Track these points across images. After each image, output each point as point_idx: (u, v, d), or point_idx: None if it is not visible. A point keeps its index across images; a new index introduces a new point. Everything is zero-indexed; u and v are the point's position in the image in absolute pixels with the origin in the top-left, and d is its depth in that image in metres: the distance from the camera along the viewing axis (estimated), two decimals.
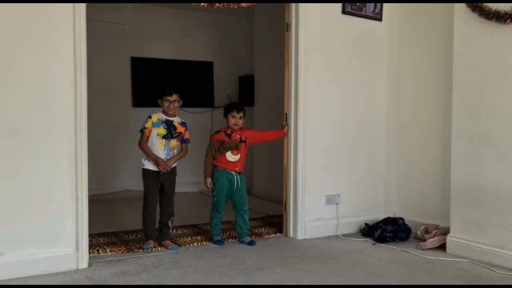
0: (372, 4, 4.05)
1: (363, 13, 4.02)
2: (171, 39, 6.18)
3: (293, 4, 3.75)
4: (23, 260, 2.78)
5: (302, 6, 3.72)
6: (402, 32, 4.18)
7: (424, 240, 3.61)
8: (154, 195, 3.46)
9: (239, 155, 3.58)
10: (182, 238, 3.69)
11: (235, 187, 3.58)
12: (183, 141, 3.52)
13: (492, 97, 3.23)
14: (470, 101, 3.36)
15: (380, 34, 4.14)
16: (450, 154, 3.50)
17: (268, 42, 5.47)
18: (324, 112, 3.89)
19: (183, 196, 5.50)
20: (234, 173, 3.59)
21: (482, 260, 3.19)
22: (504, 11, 3.09)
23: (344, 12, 3.92)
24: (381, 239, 3.70)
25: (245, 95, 6.21)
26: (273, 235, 3.91)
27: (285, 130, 3.84)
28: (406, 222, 3.90)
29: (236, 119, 3.58)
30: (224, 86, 6.45)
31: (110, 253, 3.28)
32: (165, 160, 3.40)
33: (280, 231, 3.96)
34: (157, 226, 3.53)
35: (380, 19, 4.12)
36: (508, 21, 3.08)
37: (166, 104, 3.42)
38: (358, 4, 3.97)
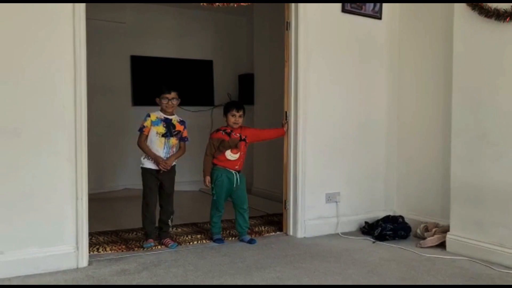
0: (372, 3, 4.05)
1: (363, 11, 4.01)
2: (171, 37, 6.18)
3: (293, 3, 3.74)
4: (23, 259, 2.79)
5: (301, 5, 3.72)
6: (402, 31, 4.18)
7: (424, 239, 3.61)
8: (154, 194, 3.47)
9: (238, 153, 3.59)
10: (182, 237, 3.69)
11: (234, 186, 3.59)
12: (182, 139, 3.52)
13: (491, 95, 3.23)
14: (470, 100, 3.36)
15: (380, 32, 4.13)
16: (450, 152, 3.50)
17: (268, 40, 5.47)
18: (324, 110, 3.89)
19: (183, 194, 5.50)
20: (233, 171, 3.59)
21: (481, 258, 3.19)
22: (504, 9, 3.09)
23: (344, 10, 3.92)
24: (381, 237, 3.71)
25: (245, 93, 6.21)
26: (273, 233, 3.91)
27: (285, 128, 3.85)
28: (406, 221, 3.91)
29: (235, 118, 3.59)
30: (224, 84, 6.45)
31: (110, 252, 3.28)
32: (164, 158, 3.41)
33: (280, 230, 3.96)
34: (156, 225, 3.53)
35: (380, 18, 4.11)
36: (508, 19, 3.08)
37: (164, 102, 3.42)
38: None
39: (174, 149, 3.48)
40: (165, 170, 3.40)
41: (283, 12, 3.88)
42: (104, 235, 3.69)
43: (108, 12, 5.66)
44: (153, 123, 3.41)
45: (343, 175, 4.02)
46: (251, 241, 3.60)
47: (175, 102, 3.46)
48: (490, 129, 3.24)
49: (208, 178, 3.58)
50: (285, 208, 3.91)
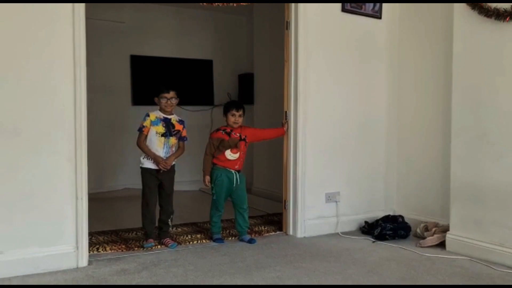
0: (372, 3, 4.05)
1: (362, 11, 4.01)
2: (171, 37, 6.18)
3: (293, 3, 3.74)
4: (23, 258, 2.79)
5: (301, 4, 3.72)
6: (402, 30, 4.18)
7: (424, 238, 3.61)
8: (154, 194, 3.47)
9: (238, 153, 3.59)
10: (182, 236, 3.69)
11: (234, 185, 3.59)
12: (181, 138, 3.52)
13: (491, 95, 3.23)
14: (470, 99, 3.36)
15: (380, 31, 4.13)
16: (450, 152, 3.51)
17: (268, 40, 5.47)
18: (324, 110, 3.89)
19: (183, 194, 5.51)
20: (233, 171, 3.59)
21: (481, 258, 3.20)
22: (504, 8, 3.09)
23: (343, 10, 3.91)
24: (380, 237, 3.71)
25: (244, 93, 6.21)
26: (273, 233, 3.91)
27: (285, 128, 3.84)
28: (406, 220, 3.91)
29: (235, 117, 3.59)
30: (223, 84, 6.45)
31: (110, 252, 3.28)
32: (164, 158, 3.40)
33: (280, 229, 3.96)
34: (156, 224, 3.53)
35: (379, 17, 4.11)
36: (507, 18, 3.08)
37: (163, 101, 3.42)
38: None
39: (174, 149, 3.48)
40: (165, 169, 3.40)
41: (283, 12, 3.88)
42: (104, 235, 3.69)
43: (108, 11, 5.66)
44: (153, 123, 3.41)
45: (343, 174, 4.02)
46: (251, 241, 3.60)
47: (174, 101, 3.45)
48: (490, 129, 3.24)
49: (207, 178, 3.58)
50: (285, 207, 3.91)
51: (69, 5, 2.89)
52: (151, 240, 3.42)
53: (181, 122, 3.53)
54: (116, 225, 4.00)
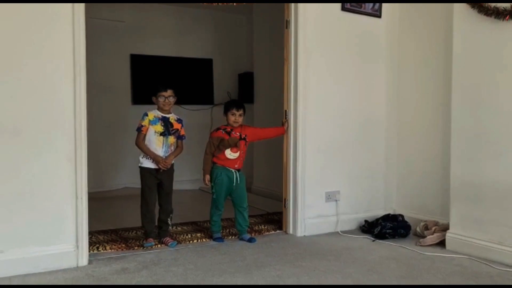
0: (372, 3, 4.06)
1: (362, 10, 4.01)
2: (171, 36, 6.17)
3: (292, 3, 3.74)
4: (23, 257, 2.79)
5: (301, 3, 3.72)
6: (401, 29, 4.18)
7: (424, 237, 3.62)
8: (153, 193, 3.47)
9: (238, 152, 3.59)
10: (182, 235, 3.69)
11: (234, 185, 3.59)
12: (179, 137, 3.52)
13: (491, 94, 3.23)
14: (470, 98, 3.36)
15: (379, 30, 4.13)
16: (450, 151, 3.51)
17: (268, 39, 5.47)
18: (323, 109, 3.89)
19: (183, 193, 5.51)
20: (233, 170, 3.59)
21: (481, 256, 3.20)
22: (503, 7, 3.09)
23: (343, 9, 3.91)
24: (380, 236, 3.71)
25: (244, 92, 6.21)
26: (273, 232, 3.91)
27: (285, 127, 3.85)
28: (406, 219, 3.91)
29: (235, 117, 3.59)
30: (223, 83, 6.45)
31: (110, 251, 3.28)
32: (163, 157, 3.41)
33: (280, 228, 3.96)
34: (156, 223, 3.54)
35: (379, 16, 4.11)
36: (507, 17, 3.08)
37: (161, 100, 3.42)
38: None
39: (172, 148, 3.48)
40: (165, 169, 3.40)
41: (283, 11, 3.88)
42: (104, 234, 3.70)
43: (108, 11, 5.66)
44: (151, 122, 3.41)
45: (343, 173, 4.02)
46: (251, 240, 3.60)
47: (171, 100, 3.45)
48: (489, 128, 3.24)
49: (207, 177, 3.58)
50: (285, 206, 3.91)
51: (69, 5, 2.89)
52: (151, 239, 3.43)
53: (179, 121, 3.53)
54: (116, 224, 4.01)
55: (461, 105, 3.41)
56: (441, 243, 3.50)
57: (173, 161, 3.49)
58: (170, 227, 3.59)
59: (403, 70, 4.18)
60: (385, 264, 3.10)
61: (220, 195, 3.59)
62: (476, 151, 3.31)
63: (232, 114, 3.59)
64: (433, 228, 3.65)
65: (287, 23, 3.82)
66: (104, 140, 5.63)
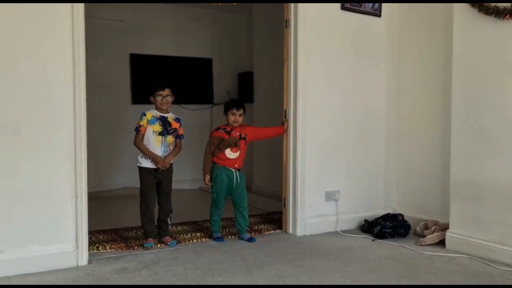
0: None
1: (362, 9, 4.01)
2: (170, 35, 6.18)
3: (292, 3, 3.74)
4: (23, 257, 2.79)
5: (301, 3, 3.72)
6: (401, 28, 4.18)
7: (424, 236, 3.62)
8: (152, 193, 3.46)
9: (238, 152, 3.59)
10: (181, 235, 3.69)
11: (234, 184, 3.59)
12: (178, 137, 3.52)
13: (491, 92, 3.23)
14: (470, 97, 3.36)
15: (379, 29, 4.13)
16: (450, 150, 3.50)
17: (267, 38, 5.47)
18: (323, 109, 3.89)
19: (183, 193, 5.51)
20: (233, 170, 3.59)
21: (481, 256, 3.20)
22: (504, 6, 3.09)
23: (343, 8, 3.91)
24: (380, 235, 3.71)
25: (244, 92, 6.21)
26: (273, 231, 3.91)
27: (285, 126, 3.84)
28: (406, 218, 3.91)
29: (236, 116, 3.58)
30: (223, 83, 6.45)
31: (109, 250, 3.28)
32: (162, 157, 3.40)
33: (280, 228, 3.96)
34: (155, 223, 3.53)
35: (379, 15, 4.11)
36: (507, 16, 3.08)
37: (159, 99, 3.41)
38: None
39: (171, 147, 3.47)
40: (164, 169, 3.40)
41: (283, 10, 3.88)
42: (104, 234, 3.70)
43: (107, 10, 5.66)
44: (149, 122, 3.40)
45: (342, 173, 4.02)
46: (250, 239, 3.60)
47: (169, 99, 3.45)
48: (489, 127, 3.24)
49: (207, 177, 3.58)
50: (285, 206, 3.91)
51: (68, 5, 2.88)
52: (151, 239, 3.42)
53: (177, 120, 3.53)
54: (116, 224, 4.01)
55: (461, 104, 3.41)
56: (441, 243, 3.50)
57: (172, 161, 3.49)
58: (169, 227, 3.59)
59: (403, 69, 4.18)
60: (385, 263, 3.10)
61: (220, 194, 3.59)
62: (476, 150, 3.31)
63: (232, 114, 3.59)
64: (433, 228, 3.65)
65: (286, 23, 3.82)
66: (104, 139, 5.64)
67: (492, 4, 3.15)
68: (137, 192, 3.53)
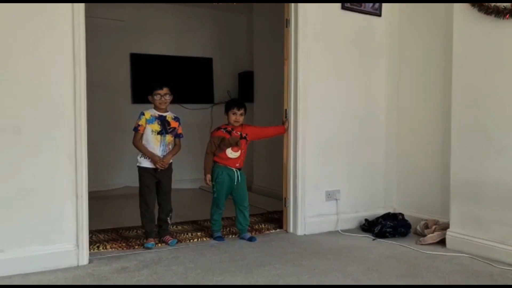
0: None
1: (362, 8, 4.01)
2: (170, 35, 6.17)
3: (292, 3, 3.74)
4: (24, 256, 2.79)
5: (301, 3, 3.72)
6: (402, 27, 4.18)
7: (424, 236, 3.62)
8: (152, 193, 3.46)
9: (239, 151, 3.59)
10: (182, 234, 3.69)
11: (235, 183, 3.59)
12: (177, 136, 3.52)
13: (491, 92, 3.23)
14: (470, 97, 3.36)
15: (379, 29, 4.13)
16: (450, 149, 3.50)
17: (268, 38, 5.47)
18: (323, 108, 3.89)
19: (183, 192, 5.52)
20: (234, 169, 3.59)
21: (481, 255, 3.20)
22: (504, 6, 3.09)
23: (343, 7, 3.91)
24: (381, 235, 3.71)
25: (244, 91, 6.21)
26: (273, 231, 3.91)
27: (285, 126, 3.84)
28: (406, 218, 3.91)
29: (236, 116, 3.58)
30: (223, 82, 6.45)
31: (110, 250, 3.28)
32: (161, 156, 3.40)
33: (280, 227, 3.97)
34: (156, 223, 3.53)
35: (379, 15, 4.11)
36: (507, 16, 3.08)
37: (157, 98, 3.41)
38: None
39: (170, 146, 3.47)
40: (162, 168, 3.40)
41: (283, 10, 3.88)
42: (104, 233, 3.70)
43: (108, 10, 5.65)
44: (148, 121, 3.40)
45: (343, 172, 4.02)
46: (251, 239, 3.60)
47: (168, 98, 3.44)
48: (490, 126, 3.24)
49: (209, 176, 3.58)
50: (285, 205, 3.91)
51: (69, 5, 2.88)
52: (151, 239, 3.42)
53: (176, 119, 3.52)
54: (117, 223, 4.01)
55: (462, 103, 3.41)
56: (442, 242, 3.50)
57: (171, 160, 3.49)
58: (169, 226, 3.59)
59: (403, 69, 4.18)
60: (385, 263, 3.10)
61: (221, 194, 3.59)
62: (477, 150, 3.31)
63: (233, 114, 3.59)
64: (433, 227, 3.65)
65: (287, 22, 3.81)
66: (104, 139, 5.63)
67: (492, 4, 3.14)
68: (138, 191, 3.53)
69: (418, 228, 3.78)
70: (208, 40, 6.43)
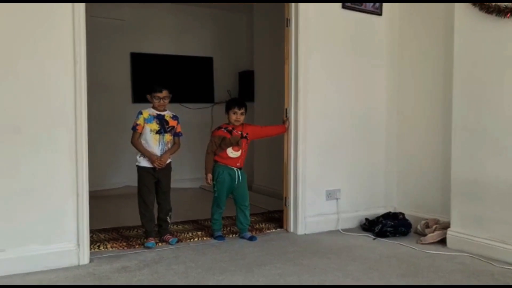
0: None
1: (363, 8, 4.01)
2: (171, 34, 6.17)
3: (293, 3, 3.74)
4: (25, 256, 2.79)
5: (302, 3, 3.72)
6: (402, 26, 4.18)
7: (425, 235, 3.62)
8: (152, 192, 3.46)
9: (240, 151, 3.59)
10: (182, 234, 3.70)
11: (236, 183, 3.59)
12: (176, 134, 3.51)
13: (492, 91, 3.23)
14: (470, 96, 3.36)
15: (380, 28, 4.13)
16: (451, 148, 3.50)
17: (268, 37, 5.46)
18: (324, 107, 3.89)
19: (184, 192, 5.52)
20: (235, 168, 3.59)
21: (482, 255, 3.20)
22: (505, 5, 3.09)
23: (344, 7, 3.91)
24: (381, 234, 3.71)
25: (245, 90, 6.21)
26: (274, 230, 3.91)
27: (286, 125, 3.84)
28: (407, 217, 3.91)
29: (237, 115, 3.58)
30: (224, 81, 6.45)
31: (111, 249, 3.29)
32: (159, 156, 3.40)
33: (281, 227, 3.97)
34: (155, 222, 3.53)
35: (380, 14, 4.11)
36: (508, 15, 3.08)
37: (156, 101, 3.40)
38: None
39: (169, 145, 3.47)
40: (160, 167, 3.40)
41: (283, 9, 3.87)
42: (105, 233, 3.70)
43: (108, 9, 5.66)
44: (146, 121, 3.39)
45: (343, 171, 4.02)
46: (251, 238, 3.60)
47: (166, 100, 3.44)
48: (491, 125, 3.23)
49: (210, 176, 3.58)
50: (286, 205, 3.91)
51: (69, 5, 2.88)
52: (151, 239, 3.42)
53: (175, 117, 3.52)
54: (117, 223, 4.01)
55: (462, 102, 3.41)
56: (442, 241, 3.50)
57: (170, 160, 3.49)
58: (169, 225, 3.59)
59: (404, 68, 4.17)
60: (386, 262, 3.10)
61: (222, 193, 3.59)
62: (477, 149, 3.31)
63: (234, 113, 3.58)
64: (434, 226, 3.65)
65: (287, 22, 3.81)
66: (104, 138, 5.63)
67: (493, 3, 3.14)
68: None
69: (418, 227, 3.78)
70: (208, 39, 6.43)
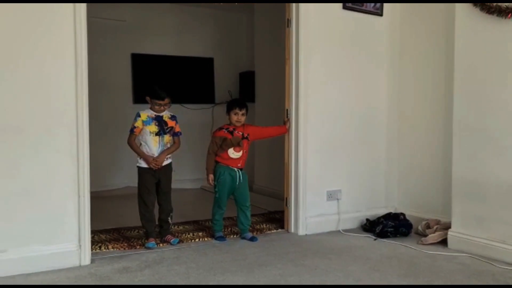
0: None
1: (364, 8, 4.01)
2: (172, 35, 6.17)
3: (294, 3, 3.74)
4: (26, 256, 2.80)
5: (302, 3, 3.72)
6: (403, 27, 4.18)
7: (425, 235, 3.62)
8: (152, 193, 3.46)
9: (241, 151, 3.59)
10: (183, 234, 3.70)
11: (237, 183, 3.59)
12: (175, 134, 3.51)
13: (493, 91, 3.23)
14: (471, 96, 3.36)
15: (381, 28, 4.13)
16: (451, 149, 3.50)
17: (269, 38, 5.46)
18: (325, 108, 3.89)
19: (185, 192, 5.52)
20: (236, 169, 3.59)
21: (483, 255, 3.20)
22: (506, 5, 3.09)
23: (344, 7, 3.91)
24: (382, 235, 3.71)
25: (245, 91, 6.21)
26: (275, 231, 3.92)
27: (287, 126, 3.85)
28: (407, 218, 3.91)
29: (238, 116, 3.58)
30: (224, 82, 6.45)
31: (112, 250, 3.29)
32: (156, 156, 3.40)
33: (282, 227, 3.97)
34: (156, 223, 3.54)
35: (381, 14, 4.11)
36: (509, 15, 3.08)
37: (157, 106, 3.40)
38: None
39: (169, 146, 3.47)
40: (157, 168, 3.40)
41: (284, 9, 3.88)
42: (106, 233, 3.70)
43: (109, 10, 5.65)
44: (145, 123, 3.39)
45: (344, 172, 4.02)
46: (252, 239, 3.61)
47: (167, 106, 3.44)
48: (492, 125, 3.24)
49: (211, 176, 3.58)
50: (286, 205, 3.92)
51: (71, 5, 2.89)
52: (152, 239, 3.42)
53: (173, 117, 3.51)
54: (118, 224, 4.01)
55: (463, 103, 3.41)
56: (443, 242, 3.50)
57: (171, 160, 3.48)
58: (170, 226, 3.59)
59: (404, 68, 4.18)
60: (387, 262, 3.10)
61: (223, 194, 3.60)
62: (478, 149, 3.31)
63: (235, 114, 3.59)
64: (435, 227, 3.65)
65: (288, 22, 3.82)
66: (105, 139, 5.63)
67: (494, 4, 3.14)
68: None
69: (419, 228, 3.79)
70: (209, 40, 6.43)
